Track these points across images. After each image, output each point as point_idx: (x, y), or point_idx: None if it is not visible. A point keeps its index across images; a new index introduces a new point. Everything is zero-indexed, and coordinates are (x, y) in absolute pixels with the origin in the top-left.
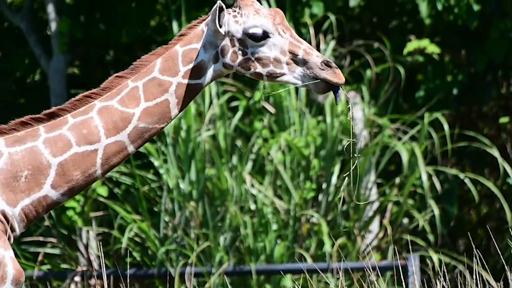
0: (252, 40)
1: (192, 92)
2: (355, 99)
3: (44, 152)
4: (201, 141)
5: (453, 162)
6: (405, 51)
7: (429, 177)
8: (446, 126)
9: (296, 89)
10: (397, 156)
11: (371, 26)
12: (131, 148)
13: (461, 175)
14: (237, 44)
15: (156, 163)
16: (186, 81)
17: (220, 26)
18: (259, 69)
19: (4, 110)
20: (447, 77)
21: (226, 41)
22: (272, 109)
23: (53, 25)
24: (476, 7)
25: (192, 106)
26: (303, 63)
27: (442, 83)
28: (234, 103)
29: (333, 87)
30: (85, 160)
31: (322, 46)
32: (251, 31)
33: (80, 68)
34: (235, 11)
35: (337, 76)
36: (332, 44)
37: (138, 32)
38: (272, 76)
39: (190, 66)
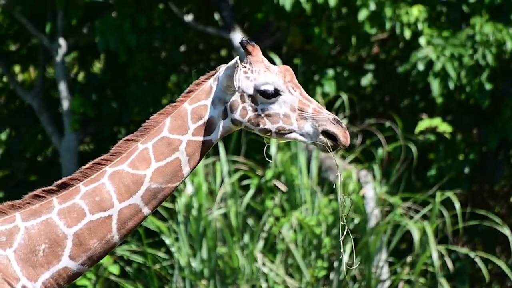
0: (263, 97)
1: (203, 149)
2: (367, 177)
3: (59, 224)
4: (212, 220)
5: (465, 240)
6: (417, 130)
7: (441, 256)
8: (457, 205)
9: (308, 168)
10: (408, 235)
11: (383, 105)
12: (146, 210)
13: (472, 254)
14: (247, 100)
15: (168, 241)
16: (196, 138)
17: (235, 81)
18: (268, 125)
19: (16, 188)
20: (459, 156)
21: (236, 97)
22: (283, 188)
23: (65, 103)
24: (488, 86)
25: (203, 185)
26: (312, 119)
27: (453, 162)
28: (245, 182)
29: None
30: (101, 227)
31: None
32: (262, 88)
33: (92, 146)
34: (245, 67)
35: (345, 136)
36: (344, 123)
37: (150, 111)
38: (280, 133)
39: (200, 123)
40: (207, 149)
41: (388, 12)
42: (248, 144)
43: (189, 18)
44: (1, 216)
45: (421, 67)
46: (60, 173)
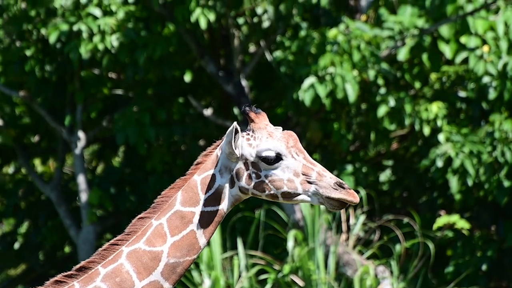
0: (265, 163)
1: (215, 219)
2: (384, 273)
3: None
4: None
5: None
6: (435, 226)
7: None
8: None
9: (326, 263)
10: None
11: (401, 201)
12: (167, 286)
13: None
14: (250, 167)
15: None
16: (208, 208)
17: (235, 148)
18: (274, 191)
19: (34, 282)
20: (476, 252)
21: (240, 165)
22: (301, 283)
23: (83, 196)
24: (506, 184)
25: (221, 279)
26: (316, 185)
27: (471, 258)
28: (263, 276)
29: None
30: None
31: (352, 220)
32: (264, 154)
33: (110, 239)
34: (248, 134)
35: (351, 195)
36: (362, 218)
37: None
38: (287, 197)
39: (210, 193)
40: (220, 219)
41: (407, 108)
42: (266, 239)
43: (208, 112)
44: None
45: (440, 163)
46: None
